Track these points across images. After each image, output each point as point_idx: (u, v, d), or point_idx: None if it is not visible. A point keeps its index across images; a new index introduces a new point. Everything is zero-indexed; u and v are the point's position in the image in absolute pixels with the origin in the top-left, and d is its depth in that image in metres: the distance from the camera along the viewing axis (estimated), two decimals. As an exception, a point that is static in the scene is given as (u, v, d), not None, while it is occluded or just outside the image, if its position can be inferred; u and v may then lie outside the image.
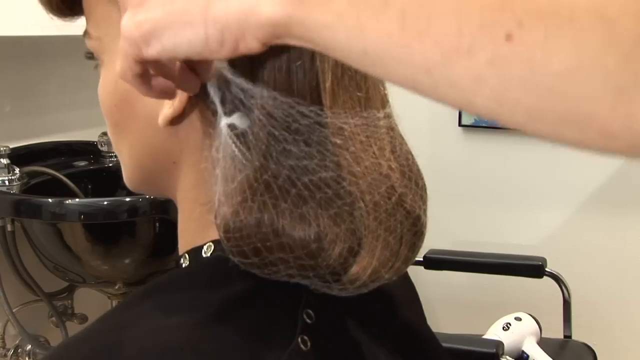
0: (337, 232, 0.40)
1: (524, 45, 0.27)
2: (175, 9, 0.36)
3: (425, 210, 0.46)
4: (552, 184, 1.88)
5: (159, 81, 0.40)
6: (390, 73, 0.31)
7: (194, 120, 0.45)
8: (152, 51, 0.37)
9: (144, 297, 0.45)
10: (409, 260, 0.45)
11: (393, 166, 0.44)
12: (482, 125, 1.88)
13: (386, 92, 0.46)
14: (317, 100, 0.41)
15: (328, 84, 0.41)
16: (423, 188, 0.47)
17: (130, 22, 0.37)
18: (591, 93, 0.26)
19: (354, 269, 0.40)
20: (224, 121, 0.42)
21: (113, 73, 0.48)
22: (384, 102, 0.45)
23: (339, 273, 0.41)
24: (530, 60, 0.27)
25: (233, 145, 0.41)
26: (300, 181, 0.40)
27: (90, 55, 0.51)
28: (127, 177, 0.52)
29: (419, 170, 0.47)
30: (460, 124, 1.90)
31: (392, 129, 0.45)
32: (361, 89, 0.43)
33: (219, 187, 0.42)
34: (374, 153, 0.43)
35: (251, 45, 0.35)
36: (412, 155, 0.47)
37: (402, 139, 0.47)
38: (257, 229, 0.40)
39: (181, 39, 0.36)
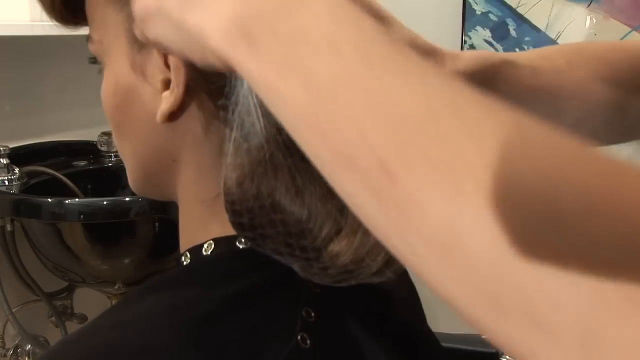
0: (328, 210, 0.40)
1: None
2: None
3: None
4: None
5: None
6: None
7: (193, 113, 0.45)
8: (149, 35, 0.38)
9: (144, 294, 0.46)
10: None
11: None
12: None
13: None
14: None
15: None
16: None
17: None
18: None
19: (334, 246, 0.40)
20: (245, 86, 0.41)
21: (114, 75, 0.49)
22: None
23: (320, 249, 0.41)
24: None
25: (254, 111, 0.41)
26: (297, 155, 0.41)
27: (94, 60, 0.52)
28: (131, 179, 0.53)
29: None
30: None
31: None
32: None
33: (229, 157, 0.42)
34: None
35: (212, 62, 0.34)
36: None
37: None
38: (256, 197, 0.40)
39: (164, 31, 0.36)
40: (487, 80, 0.46)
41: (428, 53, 0.43)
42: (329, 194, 0.41)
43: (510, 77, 0.48)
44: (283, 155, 0.41)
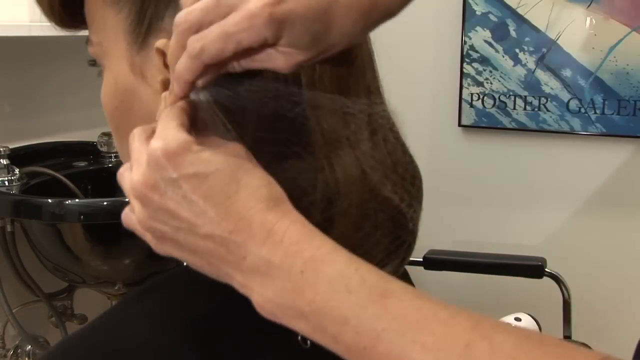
0: (312, 200, 0.42)
1: None
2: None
3: (411, 204, 0.46)
4: (551, 184, 1.88)
5: None
6: None
7: None
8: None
9: (144, 294, 0.46)
10: (394, 253, 0.45)
11: (362, 146, 0.44)
12: (482, 126, 1.89)
13: (377, 84, 0.47)
14: (297, 80, 0.43)
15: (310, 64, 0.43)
16: (412, 182, 0.47)
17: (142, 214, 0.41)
18: None
19: None
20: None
21: (114, 76, 0.49)
22: (369, 92, 0.46)
23: None
24: None
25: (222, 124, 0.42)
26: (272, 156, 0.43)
27: (93, 63, 0.52)
28: None
29: (409, 163, 0.47)
30: (460, 124, 1.91)
31: (370, 115, 0.46)
32: (341, 76, 0.45)
33: None
34: (347, 138, 0.44)
35: None
36: (403, 148, 0.48)
37: (390, 131, 0.47)
38: None
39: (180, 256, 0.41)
40: None
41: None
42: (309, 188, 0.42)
43: None
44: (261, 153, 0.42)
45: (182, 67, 0.40)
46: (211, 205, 0.38)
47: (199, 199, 0.38)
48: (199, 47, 0.39)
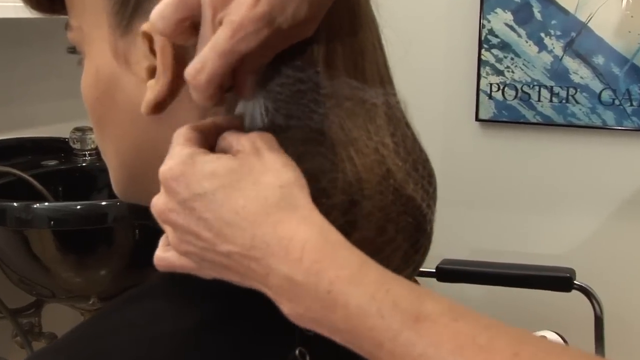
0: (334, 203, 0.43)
1: None
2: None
3: (429, 205, 0.47)
4: (581, 185, 1.88)
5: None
6: None
7: (184, 103, 0.46)
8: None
9: (126, 303, 0.46)
10: (412, 258, 0.46)
11: (386, 141, 0.45)
12: (502, 120, 1.89)
13: (389, 72, 0.49)
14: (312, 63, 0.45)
15: (322, 48, 0.45)
16: (430, 181, 0.48)
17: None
18: None
19: None
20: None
21: (95, 64, 0.49)
22: (383, 81, 0.47)
23: None
24: None
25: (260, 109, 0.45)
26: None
27: (73, 50, 0.52)
28: (114, 180, 0.53)
29: (426, 161, 0.48)
30: (477, 118, 1.91)
31: (389, 107, 0.47)
32: (357, 63, 0.46)
33: None
34: (367, 130, 0.45)
35: None
36: (419, 145, 0.49)
37: (406, 126, 0.48)
38: None
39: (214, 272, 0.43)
40: None
41: None
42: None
43: None
44: None
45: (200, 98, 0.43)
46: (224, 223, 0.41)
47: (212, 217, 0.41)
48: (204, 78, 0.41)
